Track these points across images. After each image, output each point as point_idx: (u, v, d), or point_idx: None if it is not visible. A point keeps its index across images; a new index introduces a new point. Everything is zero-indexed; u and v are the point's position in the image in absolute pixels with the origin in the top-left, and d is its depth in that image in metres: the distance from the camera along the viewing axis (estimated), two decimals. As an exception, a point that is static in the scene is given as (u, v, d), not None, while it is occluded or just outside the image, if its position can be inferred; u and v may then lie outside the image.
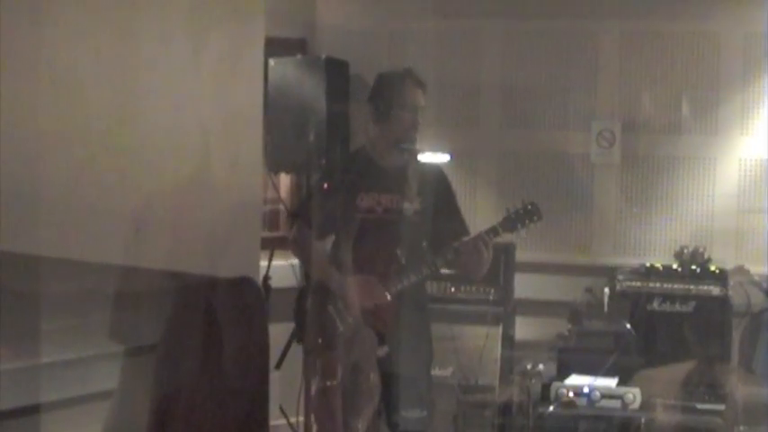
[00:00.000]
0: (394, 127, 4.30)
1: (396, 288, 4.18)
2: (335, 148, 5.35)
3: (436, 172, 4.51)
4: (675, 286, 5.80)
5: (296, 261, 5.16)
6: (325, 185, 4.32)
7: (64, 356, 3.48)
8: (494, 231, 4.24)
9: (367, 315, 4.17)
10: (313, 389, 4.13)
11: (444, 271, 4.44)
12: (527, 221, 4.28)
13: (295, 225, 4.48)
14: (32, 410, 3.34)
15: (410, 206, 4.26)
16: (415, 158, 4.38)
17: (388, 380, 4.22)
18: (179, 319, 3.81)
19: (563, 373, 5.38)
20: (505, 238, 4.38)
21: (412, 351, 4.33)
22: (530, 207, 4.29)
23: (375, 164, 4.34)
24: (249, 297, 4.05)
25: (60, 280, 3.41)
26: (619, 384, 5.18)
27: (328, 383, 4.12)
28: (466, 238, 4.31)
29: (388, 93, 4.33)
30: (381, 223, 4.25)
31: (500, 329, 5.68)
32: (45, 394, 3.37)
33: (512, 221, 4.27)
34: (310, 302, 4.20)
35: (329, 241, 4.37)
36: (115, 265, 3.68)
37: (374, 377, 4.18)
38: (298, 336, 4.28)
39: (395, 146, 4.31)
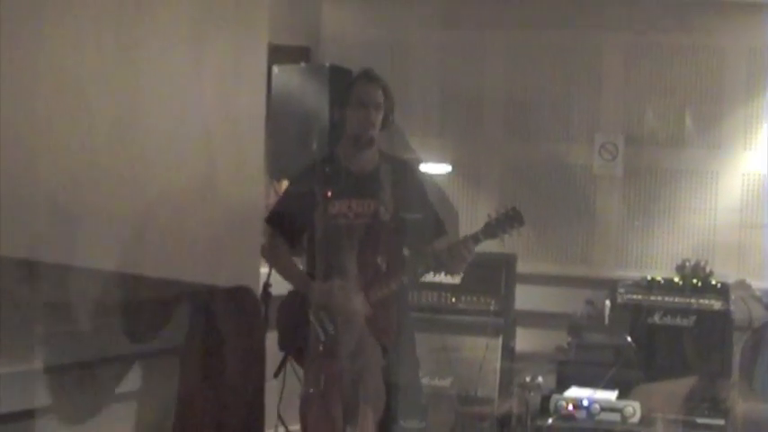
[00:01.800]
0: (350, 126, 4.29)
1: (376, 295, 4.17)
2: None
3: (409, 174, 4.48)
4: (676, 300, 5.78)
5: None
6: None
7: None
8: (475, 239, 4.21)
9: (370, 326, 4.15)
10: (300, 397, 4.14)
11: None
12: (508, 228, 4.25)
13: (268, 235, 4.44)
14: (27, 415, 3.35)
15: (385, 211, 4.24)
16: (387, 162, 4.36)
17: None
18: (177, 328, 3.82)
19: (562, 385, 5.37)
20: (490, 243, 4.35)
21: (399, 360, 4.31)
22: (511, 213, 4.26)
23: (345, 169, 4.31)
24: (246, 306, 4.05)
25: (58, 286, 3.42)
26: (619, 397, 5.17)
27: (311, 391, 4.11)
28: (442, 240, 4.31)
29: (344, 94, 4.32)
30: (354, 229, 4.23)
31: (500, 341, 5.66)
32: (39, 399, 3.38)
33: (492, 228, 4.24)
34: (290, 312, 4.19)
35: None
36: (115, 271, 3.68)
37: (379, 387, 4.17)
38: (281, 344, 4.27)
39: (355, 146, 4.29)
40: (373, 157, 4.31)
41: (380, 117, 4.27)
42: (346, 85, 4.36)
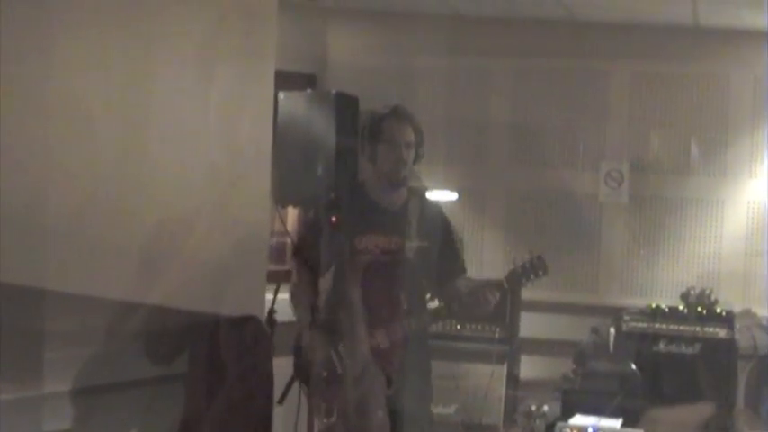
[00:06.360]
0: (381, 164, 4.26)
1: (397, 333, 4.16)
2: (344, 182, 5.35)
3: (436, 212, 4.48)
4: (681, 328, 5.78)
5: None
6: (333, 219, 4.28)
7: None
8: (499, 286, 4.20)
9: (376, 356, 4.15)
10: (316, 428, 4.12)
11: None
12: (533, 276, 4.24)
13: (294, 270, 4.42)
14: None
15: (410, 247, 4.23)
16: (416, 198, 4.35)
17: (392, 418, 4.20)
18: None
19: (567, 413, 5.35)
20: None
21: (413, 389, 4.30)
22: (536, 261, 4.25)
23: (373, 204, 4.30)
24: (253, 336, 4.03)
25: (62, 313, 3.42)
26: (623, 425, 5.15)
27: (326, 421, 4.10)
28: (461, 279, 4.31)
29: (373, 130, 4.29)
30: (380, 265, 4.22)
31: (505, 368, 5.66)
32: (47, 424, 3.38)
33: (517, 276, 4.23)
34: (311, 342, 4.17)
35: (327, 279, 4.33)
36: (120, 300, 3.69)
37: (382, 416, 4.16)
38: (297, 374, 4.25)
39: (386, 183, 4.28)
40: (402, 194, 4.31)
41: (412, 155, 4.26)
42: (372, 122, 4.32)
